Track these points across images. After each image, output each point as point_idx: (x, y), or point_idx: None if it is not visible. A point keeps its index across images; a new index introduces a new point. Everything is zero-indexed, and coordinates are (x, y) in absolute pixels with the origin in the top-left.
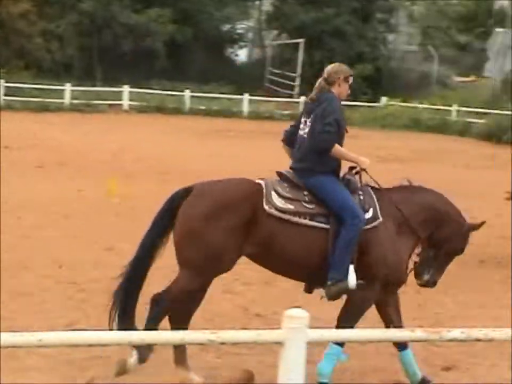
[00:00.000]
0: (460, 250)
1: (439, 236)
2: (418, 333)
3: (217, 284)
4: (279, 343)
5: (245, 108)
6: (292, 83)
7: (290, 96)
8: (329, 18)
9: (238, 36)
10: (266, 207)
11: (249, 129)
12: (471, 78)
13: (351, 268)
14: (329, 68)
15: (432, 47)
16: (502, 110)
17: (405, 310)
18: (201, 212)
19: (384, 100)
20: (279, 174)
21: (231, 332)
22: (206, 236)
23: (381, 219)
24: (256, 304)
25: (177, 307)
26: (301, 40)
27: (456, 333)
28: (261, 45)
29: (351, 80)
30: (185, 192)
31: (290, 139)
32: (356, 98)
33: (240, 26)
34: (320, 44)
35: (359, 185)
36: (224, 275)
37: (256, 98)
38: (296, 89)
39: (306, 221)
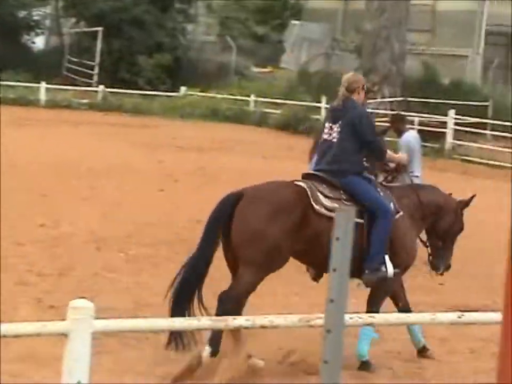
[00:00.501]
0: (461, 230)
1: (443, 227)
2: (204, 321)
3: (10, 275)
4: (64, 335)
5: (42, 96)
6: (90, 72)
7: (89, 84)
8: (127, 7)
9: (35, 23)
10: (316, 207)
11: (46, 118)
12: (269, 69)
13: (387, 257)
14: (349, 77)
15: (230, 38)
16: (298, 101)
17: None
18: (261, 215)
19: (183, 89)
20: (311, 175)
21: (13, 324)
22: (267, 237)
23: (401, 212)
24: (50, 296)
25: (241, 303)
26: (99, 29)
27: (241, 321)
28: (58, 33)
29: (365, 88)
30: (237, 198)
31: None
32: (155, 88)
33: (37, 13)
34: (119, 33)
35: (376, 182)
36: (18, 266)
37: (54, 86)
38: (95, 78)
39: None
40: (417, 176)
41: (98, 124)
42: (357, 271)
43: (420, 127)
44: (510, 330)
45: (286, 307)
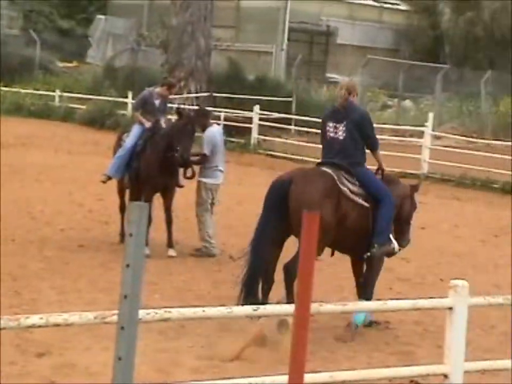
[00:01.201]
0: (415, 209)
1: (404, 213)
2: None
3: None
4: None
5: None
6: None
7: None
8: None
9: None
10: (344, 189)
11: None
12: (74, 64)
13: (391, 236)
14: (348, 83)
15: (34, 32)
16: (105, 96)
17: (1, 298)
18: (314, 197)
19: None
20: (329, 163)
21: None
22: (321, 215)
23: None
24: None
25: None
26: None
27: (35, 319)
28: None
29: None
30: (289, 183)
31: None
32: None
33: None
34: None
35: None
36: None
37: None
38: None
39: (360, 200)
40: (221, 171)
41: None
42: (362, 248)
43: (225, 122)
44: (301, 321)
45: (90, 304)
